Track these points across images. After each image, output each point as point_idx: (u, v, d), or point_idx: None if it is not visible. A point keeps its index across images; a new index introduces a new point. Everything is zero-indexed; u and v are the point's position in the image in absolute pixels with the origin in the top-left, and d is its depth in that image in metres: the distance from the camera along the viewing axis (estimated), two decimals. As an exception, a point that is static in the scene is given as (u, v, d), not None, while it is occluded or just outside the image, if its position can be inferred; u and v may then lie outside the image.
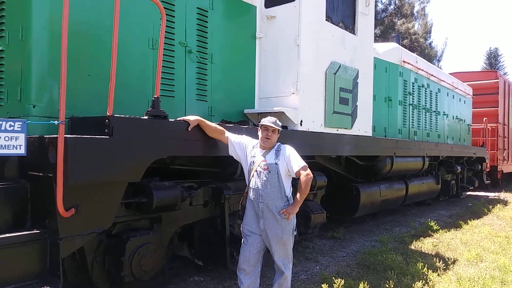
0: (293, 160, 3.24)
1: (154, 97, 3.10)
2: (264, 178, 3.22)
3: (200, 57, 4.22)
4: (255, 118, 4.88)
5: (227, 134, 3.45)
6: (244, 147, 3.41)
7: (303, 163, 3.25)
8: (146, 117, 3.01)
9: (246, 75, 4.83)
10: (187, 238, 4.07)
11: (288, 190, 3.29)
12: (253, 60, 4.92)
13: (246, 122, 4.67)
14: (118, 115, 2.78)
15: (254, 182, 3.26)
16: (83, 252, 2.98)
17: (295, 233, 3.34)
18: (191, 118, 3.30)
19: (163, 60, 3.48)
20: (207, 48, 4.29)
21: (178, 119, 3.32)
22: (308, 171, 3.23)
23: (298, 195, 3.20)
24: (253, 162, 3.31)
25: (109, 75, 2.71)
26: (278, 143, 3.40)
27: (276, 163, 3.22)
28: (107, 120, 2.73)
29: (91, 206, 2.65)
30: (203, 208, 3.97)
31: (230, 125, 3.89)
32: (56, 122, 2.46)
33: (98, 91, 3.21)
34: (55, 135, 2.44)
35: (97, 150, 2.62)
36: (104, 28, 3.26)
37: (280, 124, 3.37)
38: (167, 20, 3.67)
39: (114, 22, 2.73)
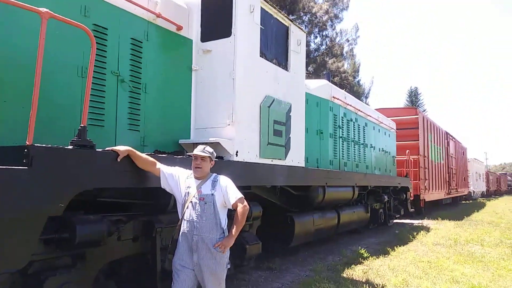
0: (230, 191, 3.24)
1: (81, 126, 2.97)
2: (199, 210, 3.16)
3: (133, 87, 4.16)
4: (190, 148, 4.84)
5: (159, 165, 3.36)
6: (177, 179, 3.34)
7: (240, 194, 3.26)
8: (70, 147, 2.86)
9: (181, 105, 4.83)
10: (115, 275, 3.82)
11: (224, 221, 3.26)
12: (189, 91, 4.95)
13: (181, 153, 4.61)
14: (38, 145, 2.62)
15: (189, 213, 3.18)
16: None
17: (228, 266, 3.29)
18: (120, 148, 3.19)
19: (93, 89, 3.39)
20: (141, 78, 4.25)
21: (107, 148, 3.20)
22: (245, 202, 3.26)
23: (234, 227, 3.18)
24: (188, 193, 3.24)
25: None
26: (215, 174, 3.39)
27: (212, 194, 3.19)
28: (26, 150, 2.55)
29: (3, 244, 2.41)
30: (132, 243, 3.77)
31: (163, 155, 3.82)
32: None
33: (20, 120, 3.01)
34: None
35: (13, 182, 2.42)
36: (30, 53, 3.10)
37: (210, 150, 3.35)
38: (98, 49, 3.64)
39: (39, 47, 2.62)
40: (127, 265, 3.85)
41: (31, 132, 2.58)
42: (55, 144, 2.89)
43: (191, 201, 3.20)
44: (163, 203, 3.93)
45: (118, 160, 3.14)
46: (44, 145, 2.67)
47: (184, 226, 3.20)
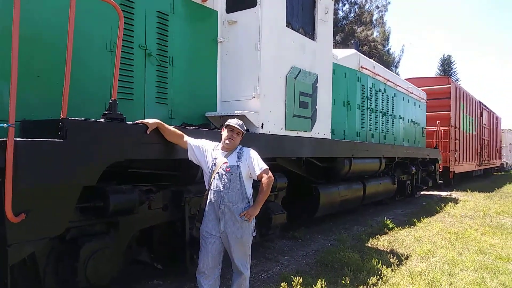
0: (255, 163, 3.30)
1: (111, 100, 3.06)
2: (226, 180, 3.24)
3: (160, 60, 4.20)
4: (217, 121, 4.91)
5: (186, 138, 3.44)
6: (205, 151, 3.41)
7: (265, 166, 3.33)
8: (102, 120, 2.97)
9: (207, 78, 4.86)
10: (146, 242, 4.02)
11: (249, 192, 3.34)
12: (215, 64, 4.95)
13: (208, 125, 4.69)
14: (72, 118, 2.73)
15: (216, 184, 3.27)
16: (34, 259, 2.88)
17: (254, 234, 3.40)
18: (149, 121, 3.28)
19: (121, 63, 3.45)
20: (167, 52, 4.29)
21: (136, 122, 3.30)
22: (270, 173, 3.32)
23: (259, 197, 3.27)
24: (215, 164, 3.32)
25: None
26: (240, 146, 3.45)
27: (238, 165, 3.27)
28: (60, 123, 2.67)
29: (42, 211, 2.57)
30: (162, 212, 3.94)
31: (191, 128, 3.90)
32: (5, 125, 2.38)
33: (53, 94, 3.13)
34: (5, 139, 2.36)
35: (50, 153, 2.56)
36: (60, 29, 3.18)
37: (245, 128, 3.43)
38: (126, 23, 3.67)
39: (69, 23, 2.68)
40: (158, 232, 4.03)
41: (65, 106, 2.68)
42: (87, 117, 3.01)
43: (218, 172, 3.28)
44: (191, 174, 4.03)
45: (147, 132, 3.23)
46: (77, 119, 2.79)
47: (211, 196, 3.30)
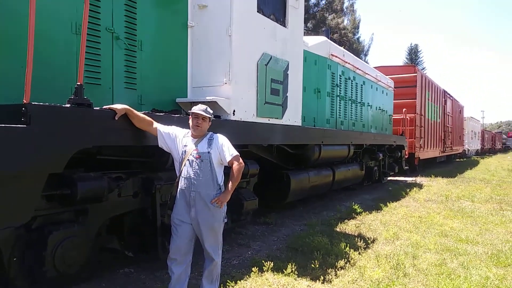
0: (225, 149, 3.29)
1: (77, 84, 2.96)
2: (196, 167, 3.23)
3: (129, 44, 4.09)
4: (187, 107, 4.84)
5: (156, 125, 3.40)
6: (174, 137, 3.38)
7: (235, 152, 3.33)
8: (67, 105, 2.87)
9: (178, 63, 4.77)
10: (116, 230, 3.97)
11: (220, 178, 3.34)
12: (185, 49, 4.87)
13: (178, 111, 4.62)
14: (36, 103, 2.63)
15: (186, 171, 3.26)
16: (-2, 249, 2.79)
17: (225, 220, 3.42)
18: (118, 106, 3.21)
19: (87, 46, 3.34)
20: (136, 35, 4.17)
21: (104, 107, 3.21)
22: (240, 160, 3.33)
23: (230, 183, 3.27)
24: (185, 151, 3.30)
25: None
26: (211, 132, 3.43)
27: (208, 152, 3.25)
28: (23, 108, 2.57)
29: (6, 199, 2.49)
30: (132, 199, 3.88)
31: (161, 114, 3.84)
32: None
33: (17, 78, 2.98)
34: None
35: (12, 140, 2.46)
36: (22, 8, 3.02)
37: (211, 112, 3.38)
38: (92, 5, 3.55)
39: (30, 3, 2.56)
40: (128, 220, 3.98)
41: (28, 90, 2.57)
42: (52, 103, 2.90)
43: (188, 159, 3.25)
44: (162, 161, 4.00)
45: (116, 118, 3.16)
46: (41, 103, 2.69)
47: (181, 183, 3.28)
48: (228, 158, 3.28)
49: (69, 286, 3.52)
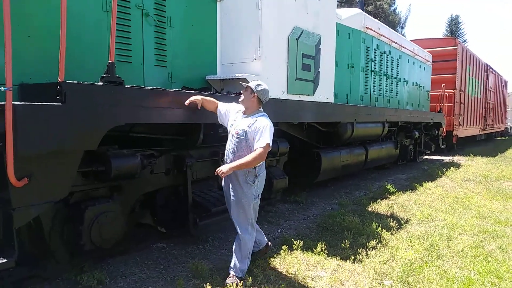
0: (258, 135, 3.25)
1: (109, 62, 2.99)
2: (234, 142, 3.36)
3: (158, 21, 4.06)
4: (217, 84, 4.83)
5: (218, 104, 3.66)
6: (227, 113, 3.59)
7: (265, 143, 3.21)
8: (100, 83, 2.91)
9: (207, 40, 4.72)
10: (149, 206, 4.07)
11: None
12: (214, 25, 4.79)
13: (208, 89, 4.61)
14: (70, 81, 2.67)
15: (228, 144, 3.44)
16: (39, 222, 2.93)
17: (257, 200, 3.42)
18: (197, 97, 3.57)
19: (118, 24, 3.35)
20: (165, 12, 4.13)
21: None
22: (265, 151, 3.22)
23: (240, 160, 3.23)
24: (232, 125, 3.47)
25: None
26: (261, 113, 3.43)
27: (246, 131, 3.31)
28: (58, 87, 2.62)
29: (45, 176, 2.58)
30: (165, 176, 3.96)
31: (191, 91, 3.83)
32: (2, 88, 2.33)
33: (50, 56, 3.04)
34: (3, 103, 2.32)
35: (49, 117, 2.53)
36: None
37: (254, 84, 3.41)
38: (121, -19, 3.51)
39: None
40: (161, 196, 4.07)
41: (62, 69, 2.62)
42: (85, 80, 2.95)
43: (232, 134, 3.42)
44: (193, 139, 4.02)
45: (199, 108, 3.57)
46: (75, 82, 2.73)
47: (225, 155, 3.49)
48: (255, 146, 3.24)
49: (105, 259, 3.67)
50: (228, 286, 3.17)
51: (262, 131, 3.26)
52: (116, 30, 3.11)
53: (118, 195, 3.44)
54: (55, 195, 2.70)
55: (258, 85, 3.41)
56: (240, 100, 3.48)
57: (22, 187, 2.42)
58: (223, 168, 3.23)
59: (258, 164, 3.33)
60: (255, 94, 3.39)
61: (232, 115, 3.54)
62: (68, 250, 3.15)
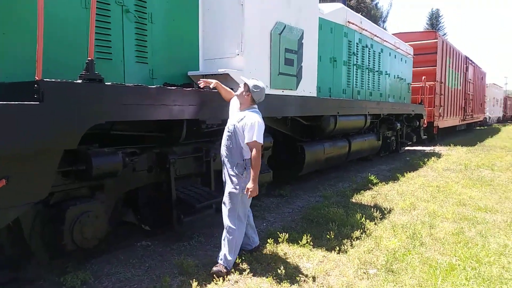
0: (247, 130, 3.37)
1: (88, 60, 2.93)
2: (226, 136, 3.55)
3: (139, 17, 4.00)
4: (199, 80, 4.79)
5: (233, 96, 3.78)
6: (230, 106, 3.74)
7: (255, 138, 3.32)
8: (79, 81, 2.86)
9: (189, 36, 4.67)
10: (132, 204, 4.04)
11: (247, 152, 3.43)
12: (196, 20, 4.75)
13: (190, 85, 4.57)
14: (47, 80, 2.62)
15: (223, 138, 3.61)
16: (19, 224, 2.87)
17: (244, 192, 3.44)
18: (211, 81, 3.85)
19: (97, 20, 3.29)
20: (146, 8, 4.07)
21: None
22: (258, 148, 3.36)
23: (251, 172, 3.36)
24: (227, 120, 3.66)
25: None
26: (253, 109, 3.53)
27: (235, 125, 3.46)
28: (36, 85, 2.56)
29: (23, 176, 2.53)
30: (147, 174, 3.93)
31: (173, 88, 3.80)
32: (-24, 88, 2.27)
33: (28, 54, 2.97)
34: (-23, 102, 2.27)
35: (26, 117, 2.47)
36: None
37: (251, 83, 3.50)
38: (99, -24, 3.44)
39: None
40: (144, 194, 4.04)
41: (39, 67, 2.56)
42: (63, 78, 2.89)
43: (226, 127, 3.60)
44: (176, 135, 4.00)
45: (211, 87, 3.82)
46: (53, 80, 2.68)
47: (221, 148, 3.66)
48: (246, 141, 3.37)
49: (88, 259, 3.63)
50: (214, 277, 3.25)
51: (250, 127, 3.35)
52: (96, 27, 3.05)
53: (99, 194, 3.40)
54: (34, 196, 2.65)
55: (255, 85, 3.51)
56: (236, 93, 3.62)
57: (0, 189, 2.37)
58: (251, 188, 3.33)
59: (247, 157, 3.43)
60: (250, 93, 3.49)
61: (232, 108, 3.70)
62: (49, 251, 3.10)
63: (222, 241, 3.49)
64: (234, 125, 3.46)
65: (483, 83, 27.14)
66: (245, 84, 3.53)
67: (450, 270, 3.50)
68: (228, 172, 3.52)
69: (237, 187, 3.45)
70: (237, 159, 3.46)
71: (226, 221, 3.48)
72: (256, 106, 3.61)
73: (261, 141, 3.35)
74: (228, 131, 3.51)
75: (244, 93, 3.53)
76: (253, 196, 3.44)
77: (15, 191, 2.48)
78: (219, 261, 3.43)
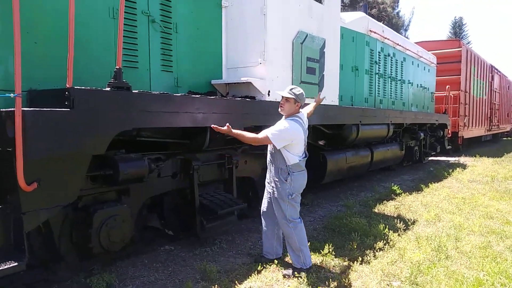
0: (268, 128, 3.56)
1: (116, 68, 3.03)
2: (270, 149, 3.67)
3: (164, 27, 4.11)
4: (223, 88, 4.87)
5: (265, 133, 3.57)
6: None
7: (265, 134, 3.52)
8: (108, 89, 2.95)
9: (212, 45, 4.76)
10: (157, 209, 4.10)
11: (292, 157, 3.51)
12: (219, 29, 4.84)
13: (214, 93, 4.65)
14: (78, 87, 2.72)
15: (268, 152, 3.74)
16: (49, 226, 2.97)
17: (290, 197, 3.53)
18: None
19: (125, 30, 3.40)
20: (171, 18, 4.18)
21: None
22: (260, 139, 3.54)
23: (238, 130, 3.59)
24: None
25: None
26: (293, 117, 3.61)
27: None
28: (67, 92, 2.66)
29: (54, 180, 2.62)
30: (171, 179, 3.99)
31: (197, 96, 3.87)
32: (12, 95, 2.38)
33: (58, 62, 3.09)
34: (12, 109, 2.37)
35: (57, 123, 2.57)
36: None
37: (297, 92, 3.56)
38: (127, -12, 3.57)
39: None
40: (168, 199, 4.10)
41: (70, 75, 2.66)
42: (92, 86, 2.99)
43: None
44: (199, 142, 4.05)
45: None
46: (83, 88, 2.78)
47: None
48: (260, 133, 3.57)
49: (114, 262, 3.70)
50: (285, 277, 3.48)
51: (274, 125, 3.53)
52: (123, 36, 3.15)
53: (126, 198, 3.47)
54: (64, 199, 2.73)
55: (297, 93, 3.53)
56: (281, 110, 3.63)
57: (31, 192, 2.46)
58: (221, 128, 3.52)
59: (290, 163, 3.51)
60: (299, 102, 3.59)
61: None
62: (77, 253, 3.18)
63: (287, 242, 3.66)
64: None
65: (510, 92, 26.38)
66: (293, 99, 3.54)
67: (477, 285, 3.39)
68: (273, 179, 3.62)
69: (283, 193, 3.53)
70: (280, 164, 3.55)
71: (280, 225, 3.66)
72: (298, 115, 3.65)
73: (275, 142, 3.45)
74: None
75: (293, 106, 3.57)
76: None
77: (46, 194, 2.57)
78: (294, 265, 3.62)
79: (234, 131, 3.53)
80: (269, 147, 3.67)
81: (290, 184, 3.53)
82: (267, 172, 3.76)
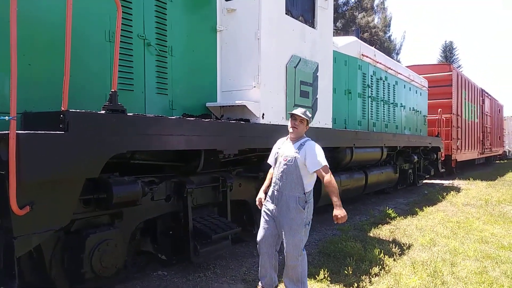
0: (312, 157, 3.33)
1: (112, 91, 3.05)
2: (282, 169, 3.42)
3: (160, 50, 4.16)
4: (217, 111, 4.90)
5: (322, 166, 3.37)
6: (273, 151, 3.67)
7: (323, 163, 3.32)
8: (103, 112, 2.96)
9: (207, 68, 4.82)
10: (150, 233, 4.04)
11: (308, 183, 3.39)
12: (214, 53, 4.91)
13: (208, 116, 4.67)
14: (73, 110, 2.72)
15: (276, 171, 3.51)
16: (40, 250, 2.90)
17: (307, 226, 3.44)
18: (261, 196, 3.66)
19: (121, 53, 3.43)
20: (166, 41, 4.25)
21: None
22: (329, 172, 3.33)
23: (333, 198, 3.29)
24: (278, 153, 3.55)
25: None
26: (306, 138, 3.52)
27: (295, 157, 3.37)
28: (61, 115, 2.66)
29: (47, 204, 2.58)
30: (165, 203, 3.95)
31: (191, 118, 3.88)
32: (6, 118, 2.37)
33: (53, 85, 3.10)
34: (7, 131, 2.36)
35: (52, 146, 2.56)
36: (58, 17, 3.14)
37: (309, 115, 3.51)
38: (124, 12, 3.64)
39: (67, 10, 2.65)
40: (161, 223, 4.05)
41: (66, 98, 2.66)
42: (87, 109, 3.00)
43: (280, 161, 3.48)
44: (193, 165, 4.04)
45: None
46: (78, 110, 2.78)
47: (273, 181, 3.53)
48: (312, 168, 3.32)
49: (105, 287, 3.61)
50: None
51: (315, 154, 3.34)
52: (119, 59, 3.18)
53: (119, 222, 3.42)
54: (56, 223, 2.69)
55: (305, 112, 3.48)
56: (292, 133, 3.49)
57: (24, 216, 2.42)
58: (338, 214, 3.28)
59: (307, 190, 3.38)
60: (308, 126, 3.54)
61: (276, 146, 3.64)
62: (68, 278, 3.10)
63: (285, 273, 3.48)
64: (294, 156, 3.36)
65: (501, 115, 26.80)
66: (306, 120, 3.47)
67: (475, 310, 3.35)
68: (288, 208, 3.35)
69: (301, 222, 3.35)
70: (297, 193, 3.34)
71: (291, 259, 3.41)
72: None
73: (327, 164, 3.34)
74: (286, 163, 3.39)
75: (303, 127, 3.49)
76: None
77: (39, 218, 2.53)
78: None
79: (337, 202, 3.29)
80: (283, 176, 3.40)
81: (307, 213, 3.39)
82: (269, 203, 3.53)
